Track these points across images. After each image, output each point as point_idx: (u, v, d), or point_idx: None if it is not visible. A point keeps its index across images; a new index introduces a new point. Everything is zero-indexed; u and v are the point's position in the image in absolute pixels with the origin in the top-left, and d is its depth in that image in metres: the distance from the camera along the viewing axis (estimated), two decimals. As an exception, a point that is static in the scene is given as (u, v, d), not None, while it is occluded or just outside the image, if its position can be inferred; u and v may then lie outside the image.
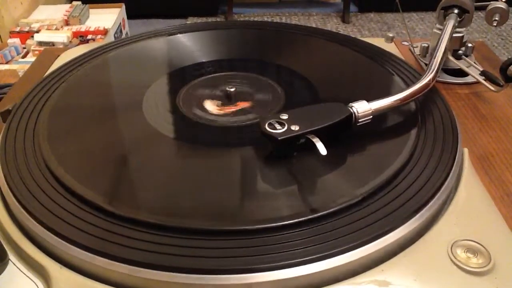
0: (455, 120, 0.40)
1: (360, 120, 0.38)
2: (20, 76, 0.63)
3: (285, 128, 0.36)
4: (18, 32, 1.45)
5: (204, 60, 0.53)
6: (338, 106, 0.38)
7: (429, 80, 0.42)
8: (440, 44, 0.48)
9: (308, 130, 0.36)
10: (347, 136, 0.38)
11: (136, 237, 0.30)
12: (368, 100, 0.38)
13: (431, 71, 0.43)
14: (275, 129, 0.36)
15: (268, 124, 0.36)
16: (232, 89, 0.45)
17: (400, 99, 0.40)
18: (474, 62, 0.54)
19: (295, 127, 0.36)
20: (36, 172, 0.35)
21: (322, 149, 0.34)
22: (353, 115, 0.37)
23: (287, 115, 0.37)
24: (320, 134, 0.35)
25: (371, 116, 0.38)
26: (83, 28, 1.51)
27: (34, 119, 0.42)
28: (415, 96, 0.41)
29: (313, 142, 0.34)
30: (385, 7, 2.21)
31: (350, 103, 0.38)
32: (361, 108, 0.38)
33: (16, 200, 0.33)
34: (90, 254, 0.29)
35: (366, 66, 0.50)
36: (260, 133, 0.36)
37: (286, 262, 0.28)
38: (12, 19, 1.53)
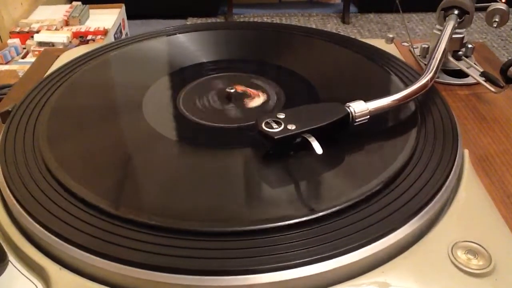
0: (455, 121, 0.40)
1: (357, 120, 0.38)
2: (20, 76, 0.63)
3: (282, 127, 0.36)
4: (18, 33, 1.44)
5: (204, 61, 0.53)
6: (335, 106, 0.38)
7: (428, 81, 0.42)
8: (439, 45, 0.48)
9: (305, 129, 0.36)
10: (348, 137, 0.38)
11: (136, 238, 0.29)
12: (367, 101, 0.38)
13: (429, 71, 0.43)
14: (272, 128, 0.36)
15: (265, 123, 0.36)
16: (232, 90, 0.45)
17: (398, 99, 0.40)
18: (474, 63, 0.54)
19: (291, 127, 0.36)
20: (36, 173, 0.35)
21: (318, 149, 0.34)
22: (350, 115, 0.37)
23: (284, 114, 0.37)
24: (317, 133, 0.35)
25: (369, 116, 0.38)
26: (83, 28, 1.51)
27: (34, 120, 0.42)
28: (413, 96, 0.41)
29: (309, 142, 0.34)
30: (385, 8, 2.21)
31: (348, 103, 0.38)
32: (358, 108, 0.38)
33: (15, 201, 0.33)
34: (90, 255, 0.29)
35: (365, 67, 0.50)
36: (257, 132, 0.36)
37: (287, 264, 0.28)
38: (12, 19, 1.53)
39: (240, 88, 0.46)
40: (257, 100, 0.45)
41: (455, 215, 0.33)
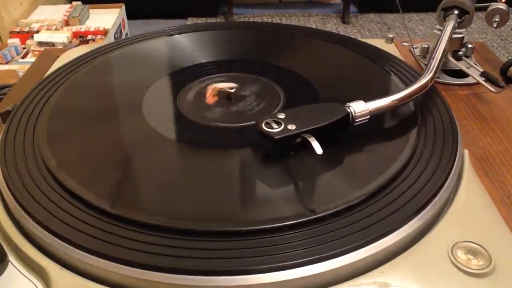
0: (455, 121, 0.40)
1: (357, 120, 0.38)
2: (20, 76, 0.63)
3: (282, 127, 0.36)
4: (18, 33, 1.44)
5: (204, 61, 0.53)
6: (335, 106, 0.38)
7: (427, 81, 0.42)
8: (439, 45, 0.48)
9: (305, 129, 0.36)
10: (348, 137, 0.38)
11: (135, 239, 0.29)
12: (367, 101, 0.38)
13: (429, 71, 0.43)
14: (272, 128, 0.36)
15: (265, 123, 0.36)
16: (232, 90, 0.45)
17: (397, 99, 0.40)
18: (474, 63, 0.54)
19: (291, 127, 0.36)
20: (36, 173, 0.35)
21: (318, 149, 0.34)
22: (350, 115, 0.37)
23: (284, 114, 0.37)
24: (317, 133, 0.35)
25: (369, 116, 0.38)
26: (83, 28, 1.51)
27: (34, 120, 0.42)
28: (413, 96, 0.41)
29: (309, 142, 0.34)
30: (385, 8, 2.21)
31: (348, 103, 0.38)
32: (358, 108, 0.38)
33: (15, 201, 0.33)
34: (90, 256, 0.29)
35: (365, 67, 0.50)
36: (257, 132, 0.36)
37: (286, 264, 0.28)
38: (12, 19, 1.53)
39: (233, 87, 0.46)
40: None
41: (455, 215, 0.33)
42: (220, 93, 0.46)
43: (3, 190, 0.35)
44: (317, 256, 0.28)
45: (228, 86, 0.46)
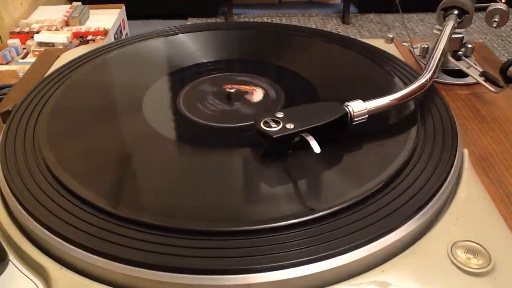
0: (455, 121, 0.40)
1: (355, 120, 0.38)
2: (20, 76, 0.63)
3: (280, 126, 0.36)
4: (18, 33, 1.45)
5: (204, 61, 0.53)
6: (334, 105, 0.38)
7: (426, 81, 0.42)
8: (438, 45, 0.48)
9: (303, 128, 0.36)
10: (347, 136, 0.38)
11: (135, 238, 0.30)
12: (366, 100, 0.38)
13: (428, 71, 0.43)
14: (270, 127, 0.36)
15: (264, 122, 0.36)
16: (232, 90, 0.45)
17: (396, 99, 0.40)
18: (474, 63, 0.55)
19: (290, 126, 0.36)
20: (36, 173, 0.35)
21: (316, 148, 0.34)
22: (349, 114, 0.37)
23: (282, 113, 0.37)
24: (315, 132, 0.35)
25: (367, 116, 0.38)
26: (83, 28, 1.51)
27: (34, 120, 0.42)
28: (412, 96, 0.41)
29: (307, 141, 0.34)
30: (385, 8, 2.21)
31: (346, 103, 0.38)
32: (357, 107, 0.38)
33: (16, 201, 0.33)
34: (90, 255, 0.29)
35: (365, 67, 0.50)
36: (256, 131, 0.36)
37: (286, 263, 0.28)
38: (12, 19, 1.53)
39: (233, 87, 0.46)
40: (257, 94, 0.45)
41: (455, 214, 0.33)
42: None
43: (3, 189, 0.35)
44: (317, 255, 0.28)
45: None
